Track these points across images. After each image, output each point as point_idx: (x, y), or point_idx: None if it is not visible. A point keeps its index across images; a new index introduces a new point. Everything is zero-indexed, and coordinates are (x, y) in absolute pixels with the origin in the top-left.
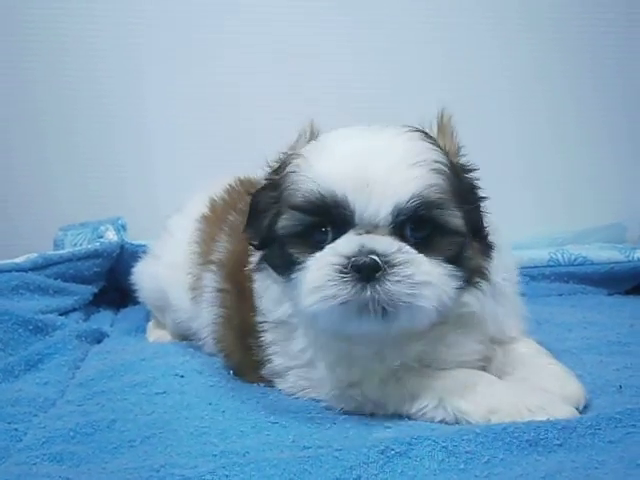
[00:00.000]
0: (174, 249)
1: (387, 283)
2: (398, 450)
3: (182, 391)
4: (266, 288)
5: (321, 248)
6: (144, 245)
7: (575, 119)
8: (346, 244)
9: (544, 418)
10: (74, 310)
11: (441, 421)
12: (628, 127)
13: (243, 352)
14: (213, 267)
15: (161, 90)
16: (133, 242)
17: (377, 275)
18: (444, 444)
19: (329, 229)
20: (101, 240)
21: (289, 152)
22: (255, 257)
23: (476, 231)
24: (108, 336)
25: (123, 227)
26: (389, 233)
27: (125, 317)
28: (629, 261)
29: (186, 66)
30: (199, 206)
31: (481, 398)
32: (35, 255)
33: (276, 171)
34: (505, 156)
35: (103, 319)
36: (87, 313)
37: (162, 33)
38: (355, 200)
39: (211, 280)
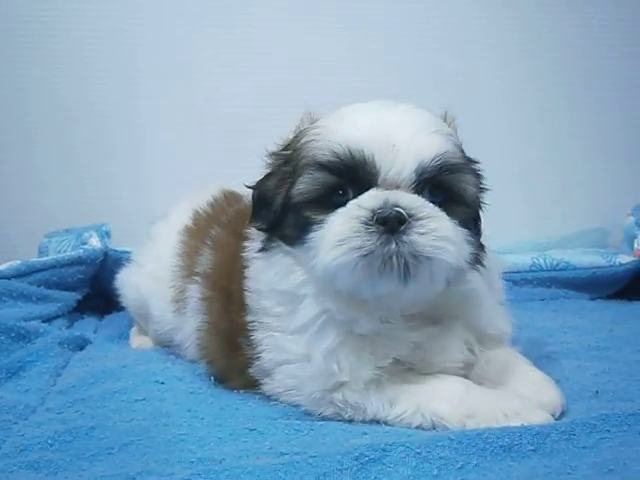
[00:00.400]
0: (157, 260)
1: (413, 235)
2: (372, 456)
3: (162, 398)
4: (269, 266)
5: (337, 209)
6: (128, 252)
7: (564, 124)
8: (370, 198)
9: (519, 423)
10: (57, 317)
11: (418, 427)
12: (617, 132)
13: (227, 357)
14: (197, 278)
15: (152, 97)
16: (117, 249)
17: (401, 228)
18: (418, 450)
19: (349, 190)
20: (85, 247)
21: (300, 129)
22: (254, 245)
23: (478, 215)
24: (91, 343)
25: (107, 234)
26: (411, 192)
27: (109, 323)
28: (611, 266)
29: (179, 73)
30: (183, 217)
31: (458, 403)
32: (18, 262)
33: (287, 147)
34: (492, 160)
35: (87, 326)
36: (71, 320)
37: (156, 39)
38: (381, 159)
39: (196, 291)
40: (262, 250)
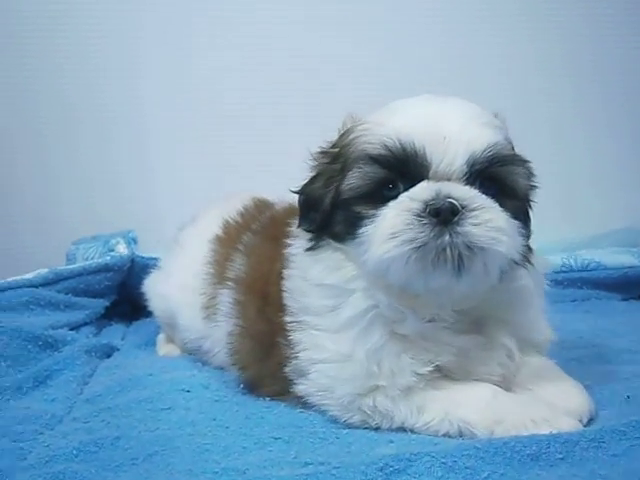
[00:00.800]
0: (186, 269)
1: (467, 225)
2: (397, 467)
3: (187, 407)
4: (316, 262)
5: (389, 203)
6: (155, 258)
7: (597, 124)
8: (422, 190)
9: (547, 430)
10: (85, 324)
11: (445, 434)
12: None
13: (260, 361)
14: (230, 283)
15: (163, 104)
16: (144, 255)
17: (455, 219)
18: (443, 460)
19: (400, 183)
20: (112, 254)
21: (347, 127)
22: (299, 244)
23: (527, 210)
24: (118, 350)
25: (134, 240)
26: (462, 184)
27: (136, 330)
28: None
29: (189, 80)
30: (212, 226)
31: (485, 409)
32: (46, 270)
33: (335, 145)
34: None
35: (114, 333)
36: (99, 327)
37: (163, 47)
38: (432, 151)
39: (228, 296)
40: (310, 249)
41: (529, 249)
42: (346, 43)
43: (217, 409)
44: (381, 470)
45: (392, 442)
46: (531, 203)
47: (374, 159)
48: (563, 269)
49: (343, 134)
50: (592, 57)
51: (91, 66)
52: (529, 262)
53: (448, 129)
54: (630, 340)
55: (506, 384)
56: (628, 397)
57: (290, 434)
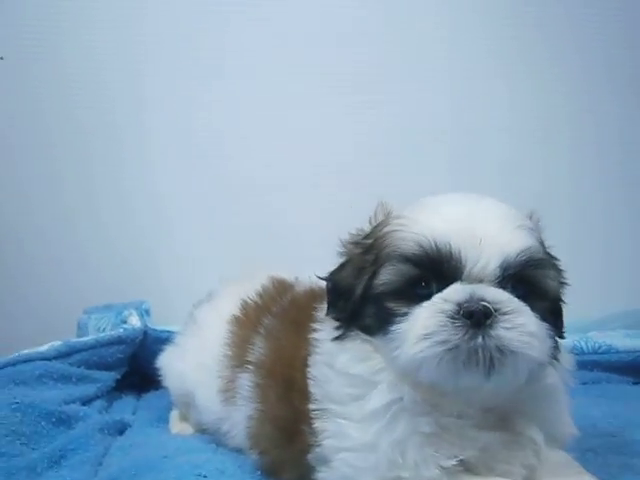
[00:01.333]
0: (203, 349)
1: (499, 329)
2: None
3: None
4: (343, 350)
5: (421, 302)
6: (168, 331)
7: (613, 199)
8: (456, 292)
9: None
10: (97, 397)
11: None
12: None
13: (280, 447)
14: (250, 367)
15: (178, 173)
16: (156, 327)
17: (487, 322)
18: None
19: (433, 282)
20: (125, 326)
21: (381, 218)
22: (325, 331)
23: (559, 310)
24: (130, 426)
25: (147, 312)
26: (494, 287)
27: (148, 404)
28: None
29: (204, 150)
30: (230, 306)
31: None
32: (59, 343)
33: (368, 236)
34: None
35: (125, 406)
36: (109, 400)
37: (174, 109)
38: (467, 254)
39: (247, 379)
40: (338, 338)
41: (558, 347)
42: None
43: None
44: None
45: None
46: (562, 301)
47: (408, 258)
48: (574, 351)
49: (377, 226)
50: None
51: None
52: (556, 359)
53: (483, 232)
54: None
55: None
56: None
57: None
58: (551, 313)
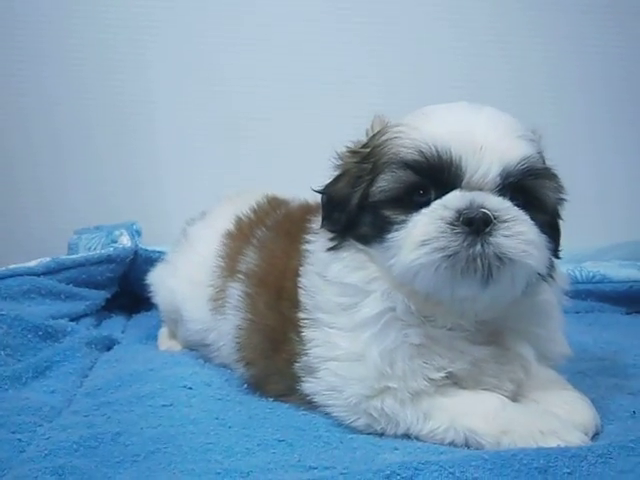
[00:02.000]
0: (195, 263)
1: (498, 237)
2: (404, 475)
3: (189, 404)
4: (337, 260)
5: (419, 209)
6: (159, 251)
7: (604, 134)
8: (456, 199)
9: (555, 443)
10: (85, 315)
11: (450, 443)
12: None
13: (267, 357)
14: (241, 276)
15: (174, 99)
16: (147, 248)
17: (487, 229)
18: (451, 470)
19: (431, 190)
20: (115, 245)
21: (378, 129)
22: (319, 242)
23: (556, 226)
24: (119, 343)
25: (138, 232)
26: (494, 195)
27: (137, 323)
28: None
29: (199, 75)
30: (224, 222)
31: (494, 418)
32: (48, 259)
33: (365, 145)
34: None
35: (115, 325)
36: (99, 319)
37: (173, 41)
38: (468, 161)
39: (238, 289)
40: (333, 248)
41: (553, 264)
42: (360, 46)
43: (219, 408)
44: (388, 478)
45: (397, 449)
46: (560, 217)
47: (408, 164)
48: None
49: (375, 135)
50: (627, 76)
51: (107, 66)
52: (551, 277)
53: (484, 139)
54: (635, 355)
55: (514, 396)
56: (634, 412)
57: (294, 437)
58: (549, 227)
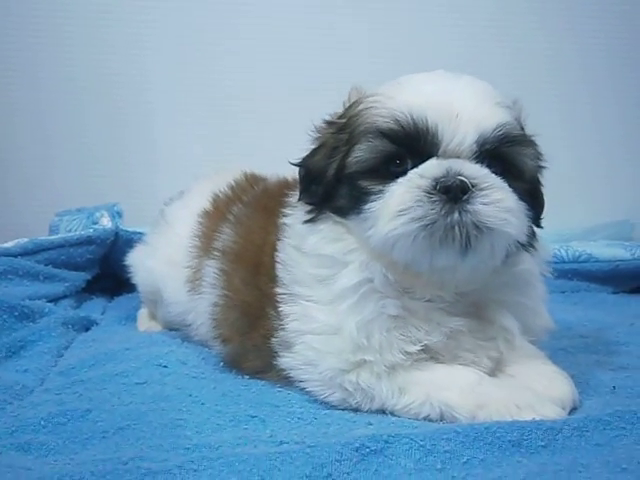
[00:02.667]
0: (173, 244)
1: (476, 204)
2: (374, 448)
3: (163, 382)
4: (314, 232)
5: (396, 179)
6: (140, 232)
7: (589, 114)
8: (433, 167)
9: (531, 417)
10: (65, 297)
11: (425, 418)
12: None
13: (243, 335)
14: (216, 253)
15: (164, 77)
16: (128, 229)
17: (464, 197)
18: (422, 442)
19: (408, 159)
20: (95, 226)
21: (354, 99)
22: (296, 214)
23: (537, 194)
24: (97, 324)
25: (119, 214)
26: (471, 163)
27: (117, 305)
28: (635, 259)
29: (192, 53)
30: (201, 200)
31: (469, 392)
32: (25, 240)
33: (342, 116)
34: None
35: (95, 307)
36: (78, 300)
37: (164, 23)
38: (444, 129)
39: (214, 266)
40: (310, 220)
41: (533, 234)
42: (353, 22)
43: (194, 385)
44: (357, 450)
45: (371, 424)
46: (541, 185)
47: (384, 133)
48: (554, 259)
49: (351, 105)
50: (606, 59)
51: (98, 45)
52: (533, 247)
53: (461, 107)
54: (618, 332)
55: (491, 372)
56: (614, 388)
57: (267, 413)
58: (528, 195)
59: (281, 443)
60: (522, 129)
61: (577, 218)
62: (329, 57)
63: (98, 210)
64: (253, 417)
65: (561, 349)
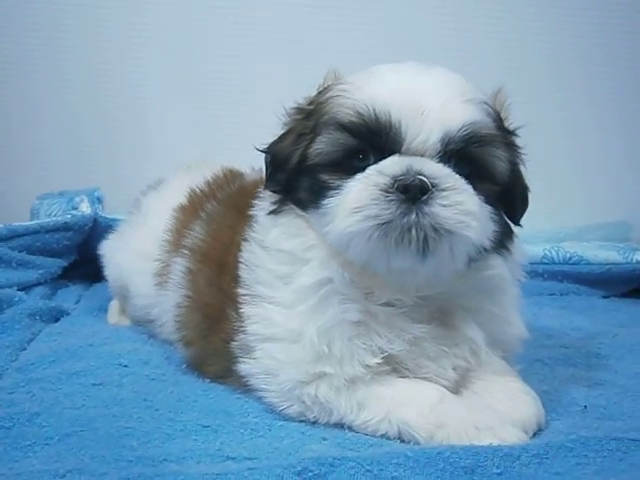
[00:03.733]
0: (145, 237)
1: (435, 206)
2: (317, 472)
3: (120, 383)
4: (276, 225)
5: (356, 175)
6: (119, 219)
7: (587, 113)
8: (392, 164)
9: (490, 440)
10: (39, 284)
11: (383, 435)
12: None
13: (204, 338)
14: (185, 251)
15: (154, 63)
16: (107, 215)
17: (423, 198)
18: (369, 467)
19: (370, 154)
20: (73, 212)
21: (327, 85)
22: (262, 207)
23: (512, 195)
24: (68, 314)
25: (99, 199)
26: (435, 162)
27: (93, 294)
28: (627, 263)
29: (183, 42)
30: (178, 194)
31: (429, 411)
32: (0, 226)
33: (311, 102)
34: None
35: (70, 295)
36: (54, 288)
37: (160, 16)
38: (408, 126)
39: (180, 264)
40: (273, 212)
41: (510, 237)
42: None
43: (151, 388)
44: (299, 475)
45: (325, 440)
46: (520, 184)
47: (344, 126)
48: (544, 260)
49: (321, 91)
50: (605, 59)
51: (90, 29)
52: (507, 250)
53: (427, 103)
54: (600, 343)
55: (456, 386)
56: (585, 407)
57: (220, 422)
58: (500, 198)
59: (227, 459)
60: (498, 126)
61: (572, 217)
62: (324, 52)
63: (78, 195)
64: (205, 427)
65: (538, 360)
